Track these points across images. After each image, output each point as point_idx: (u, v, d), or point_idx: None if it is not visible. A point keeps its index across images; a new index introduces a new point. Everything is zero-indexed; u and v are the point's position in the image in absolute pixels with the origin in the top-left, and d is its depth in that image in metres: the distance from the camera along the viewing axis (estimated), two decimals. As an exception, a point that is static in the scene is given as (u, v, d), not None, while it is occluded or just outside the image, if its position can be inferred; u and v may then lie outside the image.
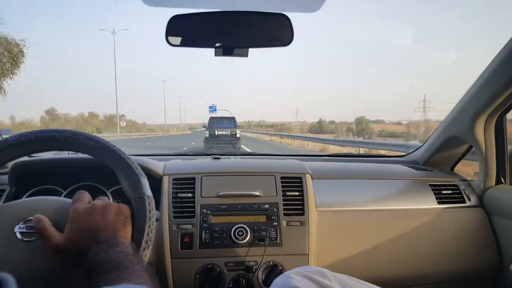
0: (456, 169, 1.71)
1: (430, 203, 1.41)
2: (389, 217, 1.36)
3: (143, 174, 0.80)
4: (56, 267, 0.68)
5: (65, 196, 1.23)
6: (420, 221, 1.37)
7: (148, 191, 0.78)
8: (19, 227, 0.70)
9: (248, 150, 13.99)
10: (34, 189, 1.25)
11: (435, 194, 1.44)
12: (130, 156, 0.82)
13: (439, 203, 1.42)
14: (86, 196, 0.76)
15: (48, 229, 0.68)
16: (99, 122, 53.57)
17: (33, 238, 0.69)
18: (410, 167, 1.65)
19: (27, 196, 1.22)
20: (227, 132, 15.06)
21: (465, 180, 1.56)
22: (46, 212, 0.72)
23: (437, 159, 1.70)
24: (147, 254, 0.72)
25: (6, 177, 1.26)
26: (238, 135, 15.19)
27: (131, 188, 0.78)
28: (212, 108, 41.21)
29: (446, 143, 1.61)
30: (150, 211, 0.75)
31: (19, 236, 0.69)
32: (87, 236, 0.66)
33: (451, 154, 1.66)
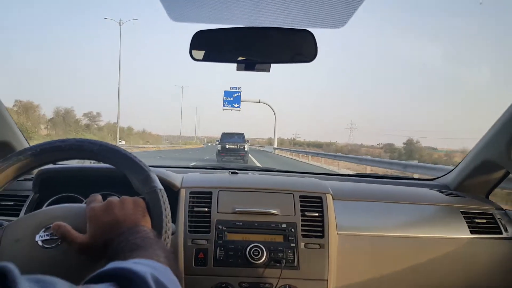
0: (491, 196, 1.60)
1: (461, 232, 1.31)
2: (416, 245, 1.27)
3: (151, 169, 0.81)
4: (78, 270, 0.70)
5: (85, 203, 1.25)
6: (449, 251, 1.27)
7: (159, 184, 0.79)
8: (40, 235, 0.73)
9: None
10: (56, 196, 1.28)
11: (467, 222, 1.34)
12: (138, 157, 0.83)
13: (471, 232, 1.31)
14: (98, 197, 0.78)
15: (71, 231, 0.70)
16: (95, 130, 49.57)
17: (54, 245, 0.72)
18: (440, 191, 1.55)
19: (49, 204, 1.26)
20: (236, 146, 17.77)
21: (502, 209, 1.44)
22: (65, 219, 0.74)
23: (470, 185, 1.59)
24: (168, 243, 0.73)
25: (31, 182, 1.29)
26: (246, 149, 17.85)
27: (141, 183, 0.79)
28: (232, 96, 32.32)
29: (480, 167, 1.50)
30: (164, 203, 0.77)
31: (40, 244, 0.72)
32: (110, 230, 0.68)
33: (485, 179, 1.55)
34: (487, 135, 1.44)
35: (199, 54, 1.10)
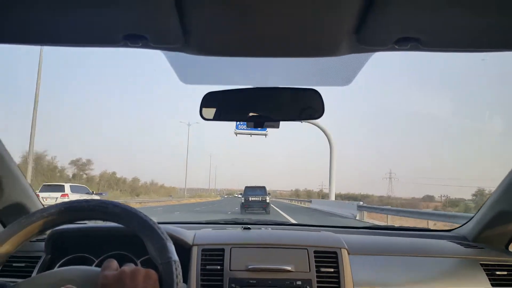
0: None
1: (482, 285, 1.26)
2: None
3: (169, 238, 0.81)
4: None
5: (97, 265, 1.25)
6: None
7: (175, 256, 0.78)
8: None
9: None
10: (68, 257, 1.28)
11: (487, 275, 1.28)
12: (155, 223, 0.83)
13: (493, 285, 1.26)
14: (114, 263, 0.77)
15: None
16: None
17: None
18: (458, 243, 1.50)
19: (61, 264, 1.25)
20: (258, 198, 19.19)
21: None
22: (76, 282, 0.74)
23: (489, 235, 1.54)
24: None
25: (42, 243, 1.29)
26: (267, 201, 19.22)
27: (157, 252, 0.78)
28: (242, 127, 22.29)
29: (498, 218, 1.46)
30: (177, 276, 0.75)
31: None
32: None
33: (504, 230, 1.50)
34: (503, 184, 1.41)
35: (209, 113, 1.13)
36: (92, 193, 19.11)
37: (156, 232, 0.80)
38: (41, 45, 0.85)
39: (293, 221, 10.97)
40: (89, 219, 0.88)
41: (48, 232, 1.28)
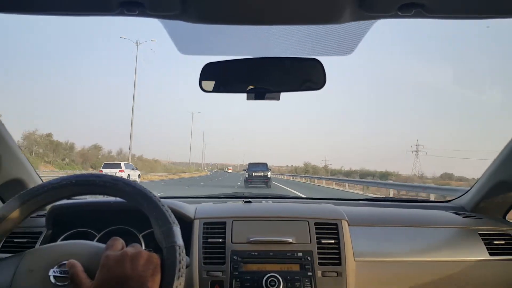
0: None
1: (480, 254, 1.29)
2: (434, 269, 1.25)
3: (176, 222, 0.80)
4: None
5: (98, 239, 1.25)
6: (469, 274, 1.25)
7: (180, 240, 0.77)
8: (54, 271, 0.72)
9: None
10: (69, 232, 1.28)
11: (485, 244, 1.31)
12: (164, 203, 0.82)
13: (491, 254, 1.29)
14: (119, 242, 0.76)
15: (80, 275, 0.69)
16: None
17: (66, 283, 0.71)
18: (456, 213, 1.53)
19: (63, 239, 1.25)
20: (261, 173, 20.82)
21: None
22: (80, 257, 0.73)
23: (487, 206, 1.56)
24: None
25: (43, 219, 1.29)
26: (269, 176, 20.88)
27: (163, 236, 0.77)
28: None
29: (496, 188, 1.48)
30: (180, 262, 0.74)
31: (52, 280, 0.71)
32: (116, 285, 0.67)
33: (502, 200, 1.52)
34: (501, 155, 1.42)
35: (209, 85, 1.12)
36: (136, 168, 25.38)
37: (163, 214, 0.79)
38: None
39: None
40: (99, 193, 0.87)
41: (48, 207, 1.28)
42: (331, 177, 33.96)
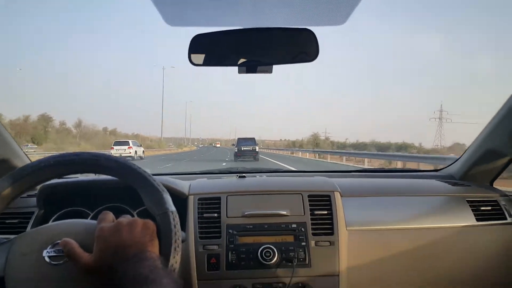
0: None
1: (468, 221, 1.33)
2: (424, 236, 1.29)
3: (165, 190, 0.80)
4: None
5: (91, 218, 1.24)
6: (457, 240, 1.29)
7: (172, 206, 0.78)
8: (47, 251, 0.72)
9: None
10: (62, 211, 1.26)
11: (473, 210, 1.35)
12: (155, 176, 0.82)
13: (477, 220, 1.33)
14: (110, 216, 0.77)
15: (76, 250, 0.69)
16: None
17: (61, 262, 0.71)
18: (445, 182, 1.57)
19: (55, 219, 1.24)
20: (249, 148, 22.01)
21: (506, 195, 1.45)
22: (73, 235, 0.73)
23: (475, 173, 1.60)
24: (176, 268, 0.72)
25: (34, 199, 1.27)
26: (257, 150, 22.18)
27: (154, 204, 0.78)
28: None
29: (485, 156, 1.51)
30: (175, 226, 0.75)
31: (47, 260, 0.71)
32: (116, 253, 0.67)
33: (490, 168, 1.56)
34: (490, 124, 1.44)
35: (199, 58, 1.08)
36: (140, 145, 27.48)
37: (151, 184, 0.79)
38: None
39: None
40: (81, 172, 0.86)
41: (38, 187, 1.26)
42: (354, 151, 26.17)
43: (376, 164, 17.24)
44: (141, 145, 27.72)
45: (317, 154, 27.12)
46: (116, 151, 22.57)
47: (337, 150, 28.33)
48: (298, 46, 1.07)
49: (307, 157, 27.14)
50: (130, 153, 24.09)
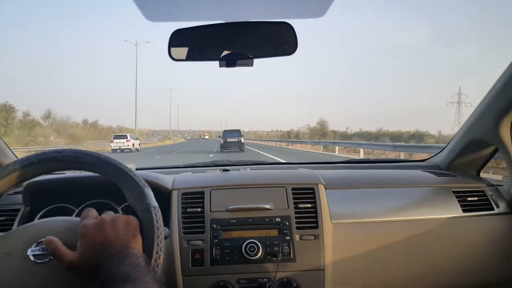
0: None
1: (454, 212, 1.32)
2: (410, 228, 1.28)
3: (147, 184, 0.80)
4: (70, 286, 0.69)
5: (77, 214, 1.24)
6: (443, 231, 1.28)
7: (154, 202, 0.78)
8: (32, 250, 0.72)
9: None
10: (47, 208, 1.26)
11: (459, 201, 1.34)
12: (137, 171, 0.82)
13: (464, 211, 1.32)
14: (93, 212, 0.77)
15: (60, 248, 0.69)
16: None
17: (46, 260, 0.71)
18: (431, 172, 1.55)
19: (41, 216, 1.24)
20: (235, 139, 22.95)
21: (492, 185, 1.44)
22: (57, 233, 0.73)
23: (461, 163, 1.59)
24: (159, 264, 0.72)
25: (20, 196, 1.27)
26: (242, 141, 23.16)
27: (135, 200, 0.78)
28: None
29: (470, 146, 1.51)
30: (157, 221, 0.76)
31: (32, 258, 0.72)
32: (100, 250, 0.67)
33: (475, 157, 1.55)
34: (474, 113, 1.43)
35: (178, 53, 1.08)
36: (137, 138, 29.26)
37: (132, 179, 0.79)
38: None
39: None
40: (64, 169, 0.87)
41: (24, 184, 1.26)
42: (372, 142, 24.75)
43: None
44: (137, 138, 29.99)
45: (321, 146, 23.93)
46: (116, 144, 24.85)
47: (350, 141, 25.10)
48: (277, 39, 1.07)
49: (308, 149, 24.73)
50: (128, 145, 25.36)
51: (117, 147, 24.89)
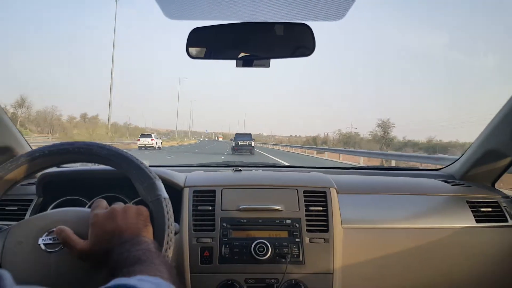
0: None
1: (467, 222, 1.30)
2: (421, 236, 1.26)
3: (157, 177, 0.81)
4: (80, 274, 0.70)
5: (89, 206, 1.25)
6: (455, 241, 1.27)
7: (164, 193, 0.79)
8: (43, 239, 0.74)
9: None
10: (60, 200, 1.28)
11: (473, 211, 1.32)
12: (152, 168, 0.83)
13: (477, 221, 1.30)
14: (103, 203, 0.78)
15: (71, 237, 0.70)
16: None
17: (57, 249, 0.73)
18: (445, 181, 1.54)
19: (53, 207, 1.26)
20: (246, 142, 24.17)
21: (507, 197, 1.42)
22: (67, 223, 0.74)
23: (476, 174, 1.57)
24: (169, 254, 0.73)
25: (34, 187, 1.29)
26: (253, 144, 24.29)
27: (146, 191, 0.79)
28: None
29: (485, 156, 1.49)
30: (168, 212, 0.77)
31: (43, 247, 0.73)
32: (111, 239, 0.68)
33: (491, 168, 1.53)
34: (491, 124, 1.42)
35: (196, 51, 1.09)
36: (159, 138, 32.85)
37: (143, 171, 0.81)
38: None
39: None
40: (76, 161, 0.88)
41: (38, 175, 1.28)
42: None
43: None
44: (160, 138, 34.02)
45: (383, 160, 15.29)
46: (142, 142, 27.15)
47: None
48: (295, 41, 1.07)
49: (340, 159, 19.63)
50: (153, 144, 27.43)
51: (143, 145, 27.07)
